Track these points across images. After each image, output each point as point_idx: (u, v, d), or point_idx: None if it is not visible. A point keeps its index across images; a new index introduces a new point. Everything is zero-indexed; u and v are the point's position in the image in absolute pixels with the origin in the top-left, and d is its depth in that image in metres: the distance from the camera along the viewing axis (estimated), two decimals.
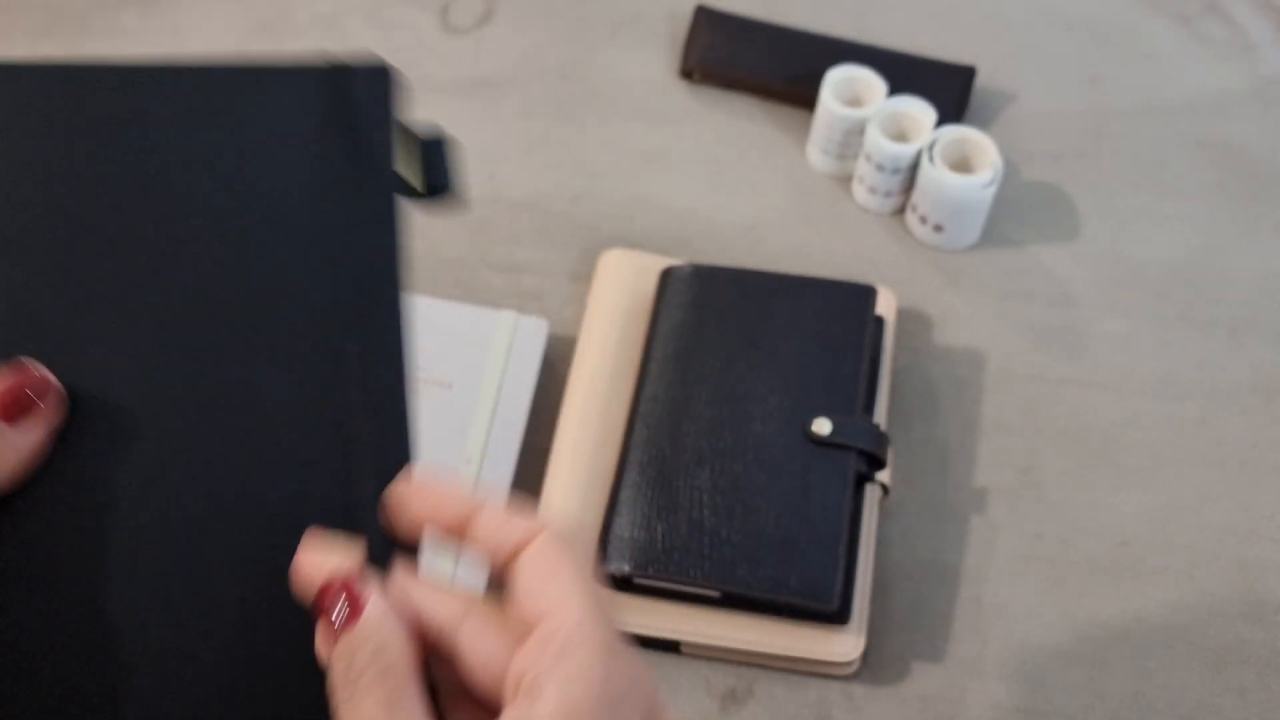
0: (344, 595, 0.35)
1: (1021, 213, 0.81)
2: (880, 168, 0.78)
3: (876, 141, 0.77)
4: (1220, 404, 0.73)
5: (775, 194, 0.82)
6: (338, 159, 0.41)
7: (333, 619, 0.35)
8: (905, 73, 0.83)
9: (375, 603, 0.35)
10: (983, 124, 0.85)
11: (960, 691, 0.64)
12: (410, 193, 0.43)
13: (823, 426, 0.66)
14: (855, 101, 0.81)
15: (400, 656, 0.35)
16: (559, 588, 0.35)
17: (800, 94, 0.84)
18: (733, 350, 0.69)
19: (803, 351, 0.69)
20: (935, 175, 0.76)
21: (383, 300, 0.40)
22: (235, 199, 0.41)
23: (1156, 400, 0.74)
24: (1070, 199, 0.82)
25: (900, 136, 0.79)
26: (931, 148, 0.77)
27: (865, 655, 0.64)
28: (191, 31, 0.91)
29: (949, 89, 0.84)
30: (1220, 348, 0.76)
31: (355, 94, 0.42)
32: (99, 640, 0.37)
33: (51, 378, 0.37)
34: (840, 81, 0.81)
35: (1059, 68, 0.89)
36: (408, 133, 0.43)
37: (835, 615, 0.62)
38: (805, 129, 0.84)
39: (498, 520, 0.37)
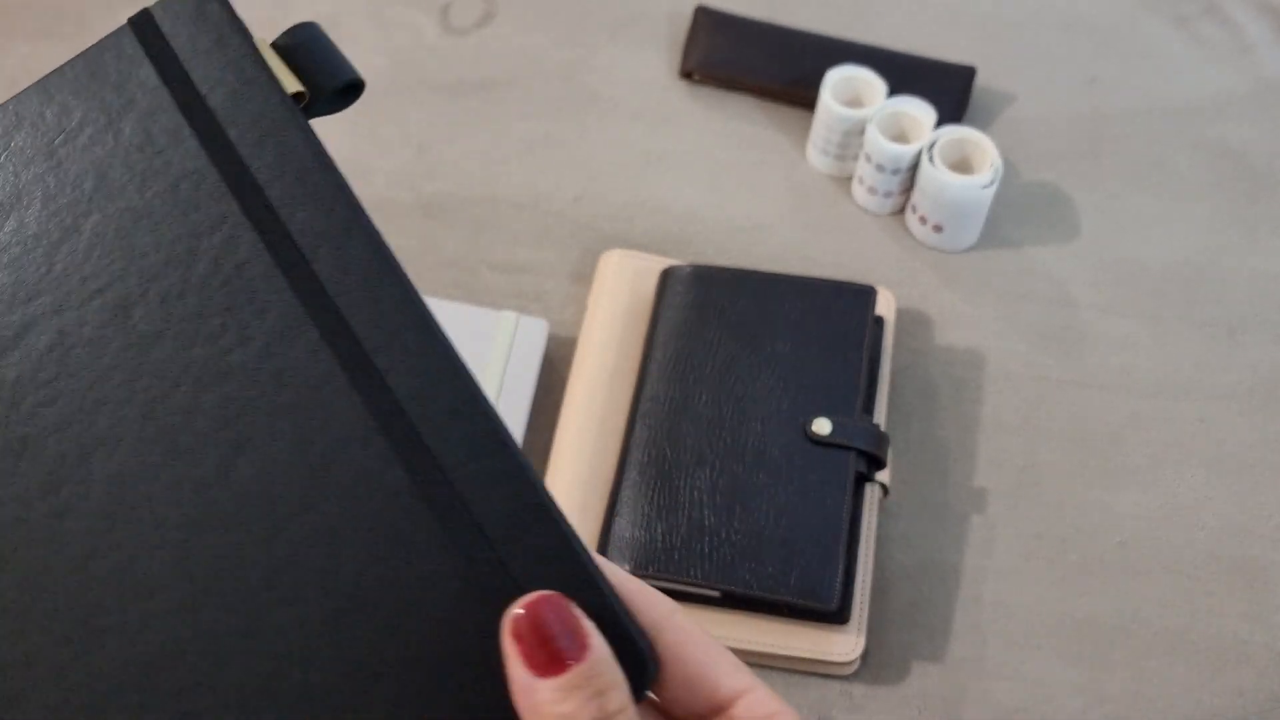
0: (568, 623, 0.31)
1: (1021, 213, 0.81)
2: (880, 168, 0.78)
3: (876, 142, 0.77)
4: (1220, 404, 0.74)
5: (775, 194, 0.82)
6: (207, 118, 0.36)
7: (559, 646, 0.31)
8: (905, 73, 0.84)
9: (599, 637, 0.31)
10: (982, 124, 0.85)
11: (960, 691, 0.64)
12: (310, 109, 0.37)
13: (823, 426, 0.66)
14: (855, 102, 0.81)
15: (629, 701, 0.31)
16: (720, 666, 0.33)
17: (800, 94, 0.84)
18: (733, 350, 0.69)
19: (803, 351, 0.69)
20: (935, 176, 0.76)
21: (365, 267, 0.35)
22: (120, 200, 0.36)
23: (1156, 400, 0.74)
24: (1070, 199, 0.82)
25: (900, 137, 0.79)
26: (931, 148, 0.77)
27: (865, 655, 0.64)
28: None
29: (949, 89, 0.85)
30: (1220, 348, 0.76)
31: (174, 38, 0.37)
32: None
33: None
34: (840, 82, 0.81)
35: (1058, 68, 0.89)
36: (256, 48, 0.37)
37: (835, 615, 0.62)
38: (805, 129, 0.84)
39: (634, 591, 0.34)
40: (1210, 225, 0.81)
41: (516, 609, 0.31)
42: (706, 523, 0.63)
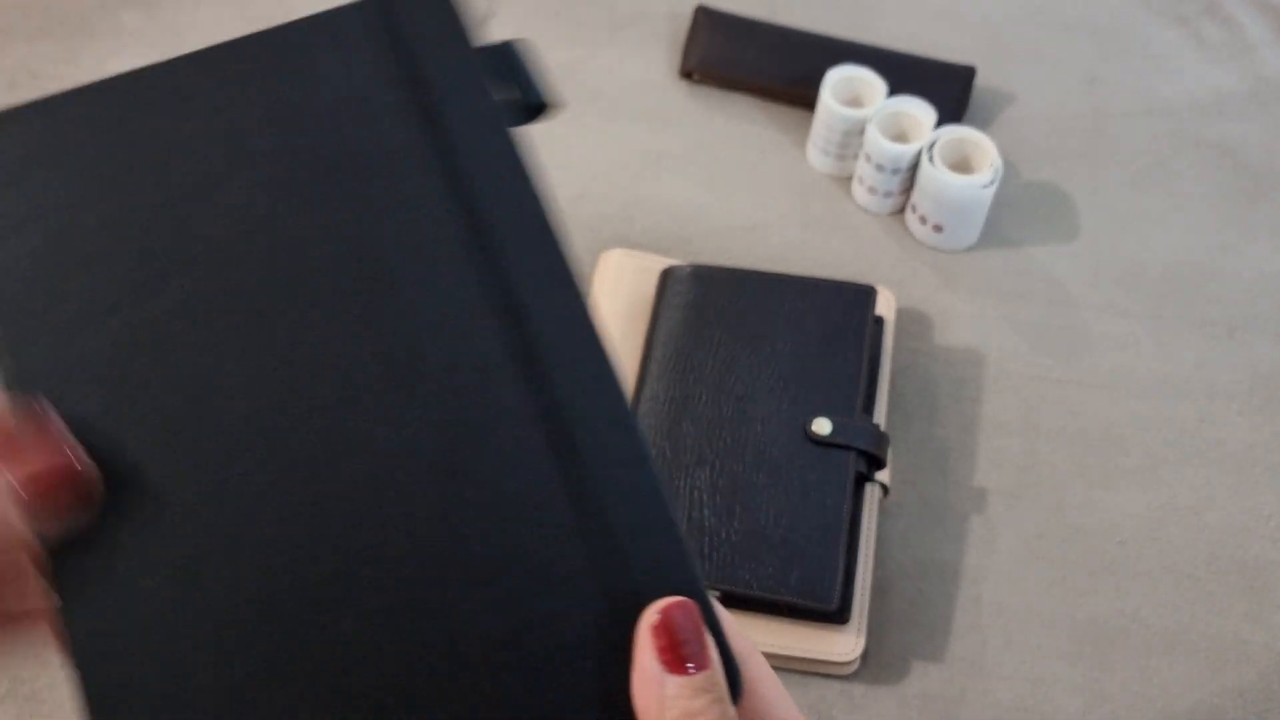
0: (697, 631, 0.33)
1: (1021, 213, 0.81)
2: (880, 168, 0.78)
3: (876, 142, 0.77)
4: (1219, 404, 0.74)
5: (775, 194, 0.82)
6: (416, 98, 0.39)
7: (687, 651, 0.33)
8: (905, 73, 0.84)
9: (716, 651, 0.34)
10: (982, 124, 0.85)
11: (960, 691, 0.64)
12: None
13: (823, 426, 0.66)
14: (855, 102, 0.81)
15: (736, 715, 0.33)
16: (784, 708, 0.36)
17: (800, 94, 0.84)
18: (733, 350, 0.69)
19: (803, 351, 0.69)
20: (935, 175, 0.76)
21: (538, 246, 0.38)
22: (323, 161, 0.38)
23: (1156, 400, 0.74)
24: (1070, 199, 0.82)
25: (900, 137, 0.79)
26: (931, 148, 0.77)
27: (865, 655, 0.64)
28: (191, 31, 0.91)
29: (949, 89, 0.85)
30: (1220, 348, 0.76)
31: (410, 22, 0.40)
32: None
33: (89, 470, 0.34)
34: (840, 82, 0.81)
35: (1058, 68, 0.89)
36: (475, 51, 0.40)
37: (835, 615, 0.62)
38: (805, 129, 0.84)
39: (773, 685, 0.36)
40: (1210, 225, 0.81)
41: (660, 606, 0.33)
42: (706, 523, 0.63)
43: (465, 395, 0.36)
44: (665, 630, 0.33)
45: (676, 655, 0.33)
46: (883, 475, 0.67)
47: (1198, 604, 0.67)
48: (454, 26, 0.39)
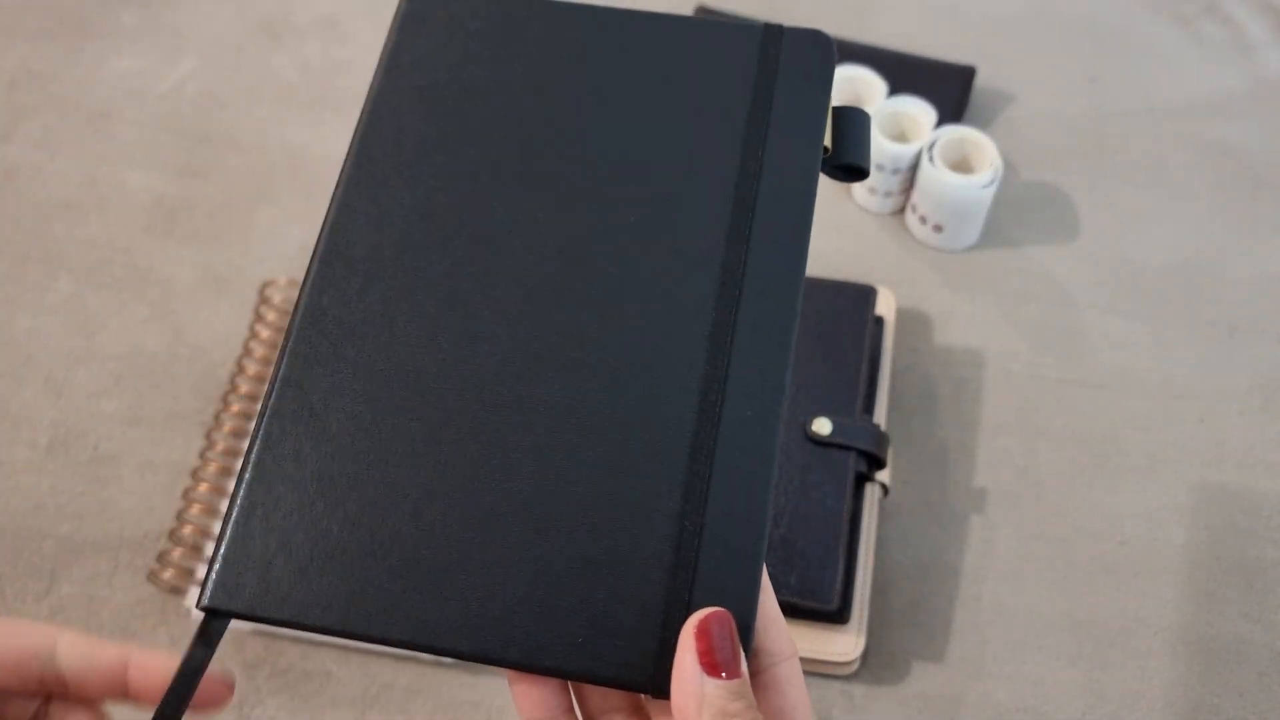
0: (731, 641, 0.36)
1: (1021, 213, 0.81)
2: (880, 168, 0.78)
3: (876, 141, 0.77)
4: (1219, 404, 0.74)
5: None
6: (766, 114, 0.45)
7: (720, 658, 0.36)
8: (905, 73, 0.84)
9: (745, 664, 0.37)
10: (982, 124, 0.85)
11: (960, 691, 0.64)
12: (824, 163, 0.45)
13: (823, 426, 0.66)
14: (855, 101, 0.81)
15: None
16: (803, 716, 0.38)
17: None
18: None
19: (803, 351, 0.69)
20: (935, 175, 0.76)
21: (784, 272, 0.42)
22: (666, 129, 0.45)
23: (1155, 400, 0.74)
24: (1070, 199, 0.82)
25: (900, 137, 0.79)
26: (931, 148, 0.77)
27: (865, 655, 0.64)
28: (192, 31, 0.91)
29: (949, 89, 0.85)
30: (1219, 348, 0.76)
31: (790, 55, 0.46)
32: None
33: (229, 687, 0.38)
34: (840, 82, 0.81)
35: (1058, 68, 0.89)
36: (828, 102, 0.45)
37: (835, 615, 0.62)
38: None
39: (775, 617, 0.39)
40: (1210, 225, 0.81)
41: (705, 613, 0.37)
42: None
43: (656, 343, 0.41)
44: (705, 635, 0.36)
45: (712, 660, 0.36)
46: (883, 475, 0.67)
47: (1198, 604, 0.67)
48: (823, 76, 0.45)
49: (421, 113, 0.45)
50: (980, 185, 0.76)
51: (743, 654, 0.36)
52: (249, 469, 0.40)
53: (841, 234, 0.80)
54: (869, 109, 0.79)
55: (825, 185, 0.82)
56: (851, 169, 0.45)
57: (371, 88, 0.46)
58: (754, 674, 0.37)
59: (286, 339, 0.42)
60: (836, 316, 0.70)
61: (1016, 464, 0.71)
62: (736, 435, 0.39)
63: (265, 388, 0.41)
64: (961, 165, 0.78)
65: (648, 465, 0.39)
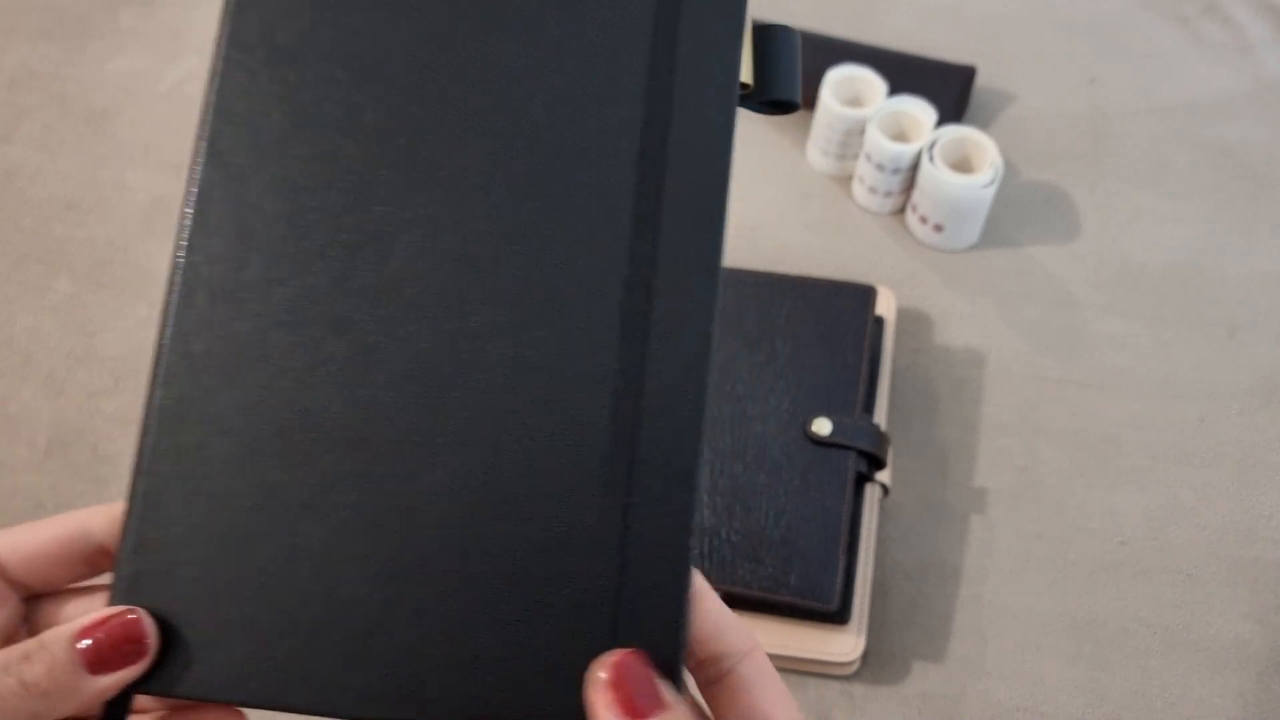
0: (646, 684, 0.34)
1: (1021, 213, 0.81)
2: (880, 168, 0.78)
3: (876, 141, 0.77)
4: (1219, 404, 0.73)
5: (775, 194, 0.82)
6: (672, 46, 0.39)
7: (638, 703, 0.34)
8: (905, 73, 0.83)
9: (674, 694, 0.34)
10: (983, 124, 0.85)
11: (960, 691, 0.64)
12: (742, 99, 0.39)
13: (823, 426, 0.66)
14: (855, 101, 0.81)
15: None
16: (780, 708, 0.36)
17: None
18: (732, 350, 0.69)
19: (803, 351, 0.69)
20: (935, 175, 0.76)
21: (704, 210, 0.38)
22: (570, 71, 0.39)
23: (1156, 400, 0.74)
24: (1070, 199, 0.82)
25: (900, 136, 0.79)
26: (931, 148, 0.77)
27: (865, 655, 0.64)
28: (191, 31, 0.91)
29: (949, 89, 0.84)
30: (1219, 348, 0.76)
31: None
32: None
33: (150, 636, 0.35)
34: (840, 81, 0.81)
35: (1058, 68, 0.89)
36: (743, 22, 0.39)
37: (835, 615, 0.62)
38: (805, 129, 0.84)
39: (726, 615, 0.37)
40: (1210, 225, 0.81)
41: (611, 659, 0.34)
42: (706, 523, 0.63)
43: (569, 328, 0.37)
44: (618, 685, 0.34)
45: (632, 707, 0.34)
46: (883, 475, 0.67)
47: (1198, 604, 0.67)
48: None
49: (275, 93, 0.39)
50: (980, 185, 0.76)
51: (666, 687, 0.34)
52: (129, 539, 0.36)
53: (841, 234, 0.80)
54: (869, 109, 0.79)
55: (825, 186, 0.82)
56: (780, 104, 0.39)
57: (213, 69, 0.40)
58: (715, 680, 0.36)
59: (152, 389, 0.37)
60: (836, 316, 0.70)
61: (1016, 464, 0.71)
62: (655, 454, 0.36)
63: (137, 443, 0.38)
64: (962, 165, 0.78)
65: (566, 496, 0.36)
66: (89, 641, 0.34)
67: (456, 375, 0.37)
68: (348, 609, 0.36)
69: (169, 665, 0.35)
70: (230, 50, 0.40)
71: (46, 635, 0.34)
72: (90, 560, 0.38)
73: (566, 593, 0.36)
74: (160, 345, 0.37)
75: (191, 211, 0.38)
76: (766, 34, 0.39)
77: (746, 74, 0.38)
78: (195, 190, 0.38)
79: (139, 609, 0.35)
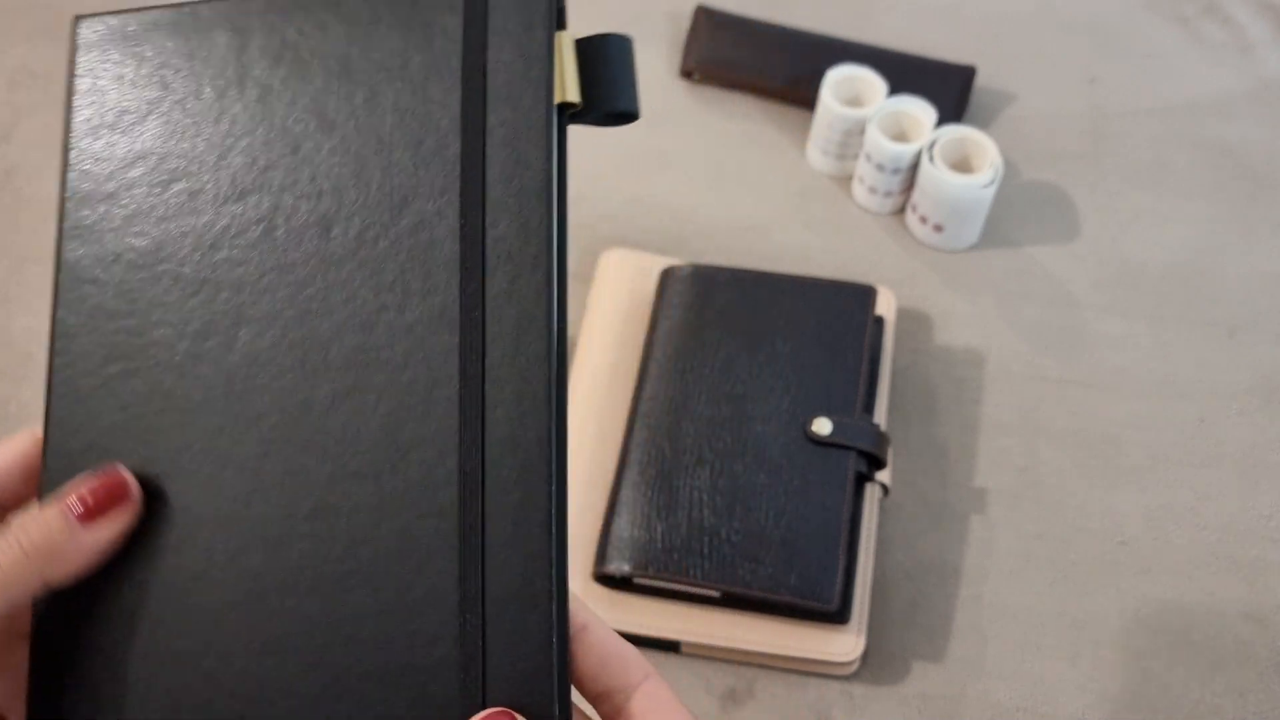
0: None
1: (1021, 213, 0.81)
2: (880, 168, 0.78)
3: (876, 141, 0.77)
4: (1219, 404, 0.73)
5: (775, 194, 0.82)
6: (479, 80, 0.37)
7: None
8: (905, 73, 0.83)
9: None
10: (983, 124, 0.85)
11: (960, 691, 0.64)
12: (574, 115, 0.37)
13: (823, 426, 0.66)
14: (855, 101, 0.81)
15: None
16: None
17: (800, 94, 0.84)
18: (733, 350, 0.69)
19: (803, 351, 0.69)
20: (935, 175, 0.76)
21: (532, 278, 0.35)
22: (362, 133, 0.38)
23: (1155, 400, 0.74)
24: (1070, 199, 0.82)
25: (900, 136, 0.79)
26: (931, 148, 0.77)
27: (865, 655, 0.64)
28: None
29: (949, 89, 0.84)
30: (1219, 348, 0.76)
31: (494, 7, 0.37)
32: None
33: (132, 482, 0.37)
34: (840, 81, 0.81)
35: (1059, 68, 0.89)
36: (561, 35, 0.37)
37: (835, 615, 0.62)
38: (805, 129, 0.84)
39: (611, 646, 0.36)
40: (1210, 225, 0.81)
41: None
42: (706, 523, 0.63)
43: (407, 402, 0.36)
44: None
45: None
46: (883, 475, 0.67)
47: (1198, 604, 0.67)
48: (540, 19, 0.37)
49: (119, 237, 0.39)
50: (980, 185, 0.76)
51: None
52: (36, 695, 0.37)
53: (841, 234, 0.80)
54: (869, 109, 0.79)
55: (825, 186, 0.82)
56: (619, 115, 0.37)
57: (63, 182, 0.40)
58: (613, 717, 0.36)
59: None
60: (836, 316, 0.70)
61: (1016, 464, 0.71)
62: (503, 501, 0.35)
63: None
64: (962, 165, 0.78)
65: (419, 570, 0.35)
66: (76, 499, 0.36)
67: (299, 451, 0.36)
68: (212, 696, 0.36)
69: None
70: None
71: (37, 506, 0.36)
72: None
73: (425, 657, 0.35)
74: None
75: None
76: (592, 46, 0.37)
77: (574, 92, 0.37)
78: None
79: (116, 463, 0.37)
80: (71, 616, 0.37)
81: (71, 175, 0.40)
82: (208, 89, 0.39)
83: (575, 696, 0.36)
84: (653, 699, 0.36)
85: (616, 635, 0.37)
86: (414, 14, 0.38)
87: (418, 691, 0.34)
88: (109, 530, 0.36)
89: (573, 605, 0.36)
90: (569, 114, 0.37)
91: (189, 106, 0.39)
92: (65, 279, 0.39)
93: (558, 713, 0.34)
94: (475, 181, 0.36)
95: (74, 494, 0.36)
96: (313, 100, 0.38)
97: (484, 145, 0.37)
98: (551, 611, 0.34)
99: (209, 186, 0.38)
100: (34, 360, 0.74)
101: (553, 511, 0.34)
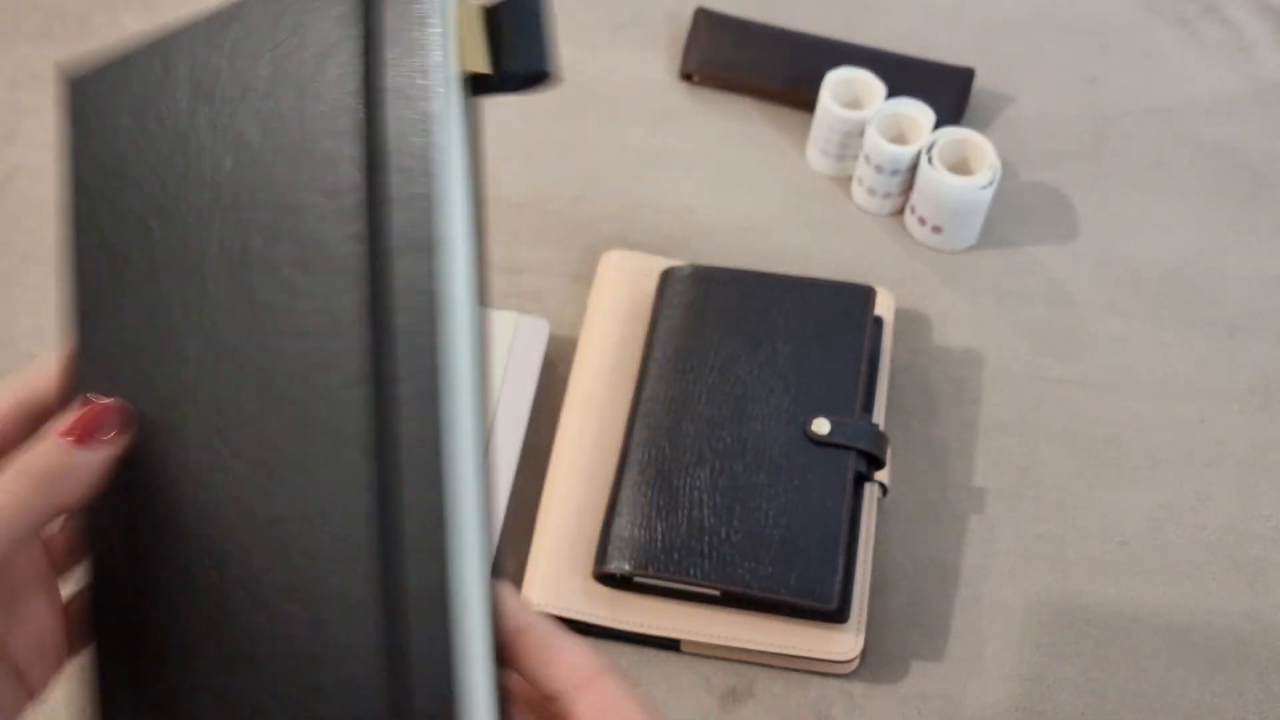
0: None
1: (1020, 214, 0.81)
2: (879, 169, 0.78)
3: (875, 143, 0.77)
4: (1219, 404, 0.74)
5: (775, 195, 0.82)
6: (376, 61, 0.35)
7: None
8: (904, 74, 0.84)
9: None
10: (981, 125, 0.85)
11: (959, 690, 0.64)
12: (485, 85, 0.34)
13: (822, 426, 0.66)
14: (854, 103, 0.81)
15: None
16: None
17: (800, 96, 0.84)
18: (733, 350, 0.69)
19: (803, 351, 0.69)
20: (934, 176, 0.76)
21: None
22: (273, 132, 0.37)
23: (1155, 400, 0.74)
24: (1069, 200, 0.83)
25: (899, 138, 0.80)
26: (930, 149, 0.77)
27: (864, 654, 0.64)
28: None
29: (948, 91, 0.85)
30: (1219, 348, 0.76)
31: None
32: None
33: (119, 404, 0.40)
34: (839, 83, 0.81)
35: (1058, 69, 0.89)
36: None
37: (834, 614, 0.62)
38: (805, 131, 0.84)
39: (555, 647, 0.36)
40: (1210, 225, 0.81)
41: None
42: (706, 522, 0.64)
43: (315, 415, 0.36)
44: None
45: None
46: (882, 475, 0.67)
47: (1198, 604, 0.67)
48: None
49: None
50: (979, 186, 0.76)
51: None
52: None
53: (841, 234, 0.80)
54: (868, 110, 0.79)
55: (825, 186, 0.82)
56: (534, 77, 0.34)
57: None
58: None
59: None
60: (836, 317, 0.70)
61: (1016, 464, 0.71)
62: (410, 519, 0.33)
63: None
64: (960, 167, 0.78)
65: (328, 573, 0.35)
66: (69, 425, 0.39)
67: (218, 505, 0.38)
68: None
69: None
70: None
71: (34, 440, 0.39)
72: (36, 419, 0.41)
73: (339, 672, 0.34)
74: None
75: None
76: (496, 10, 0.34)
77: (482, 62, 0.34)
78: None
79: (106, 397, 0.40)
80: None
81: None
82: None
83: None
84: (603, 698, 0.35)
85: (563, 635, 0.36)
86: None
87: (327, 709, 0.35)
88: (105, 450, 0.39)
89: (511, 608, 0.35)
90: (481, 85, 0.34)
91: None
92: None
93: None
94: (379, 169, 0.34)
95: (66, 422, 0.39)
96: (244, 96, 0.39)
97: (384, 127, 0.34)
98: (447, 619, 0.33)
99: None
100: (35, 360, 0.74)
101: (444, 510, 0.33)
